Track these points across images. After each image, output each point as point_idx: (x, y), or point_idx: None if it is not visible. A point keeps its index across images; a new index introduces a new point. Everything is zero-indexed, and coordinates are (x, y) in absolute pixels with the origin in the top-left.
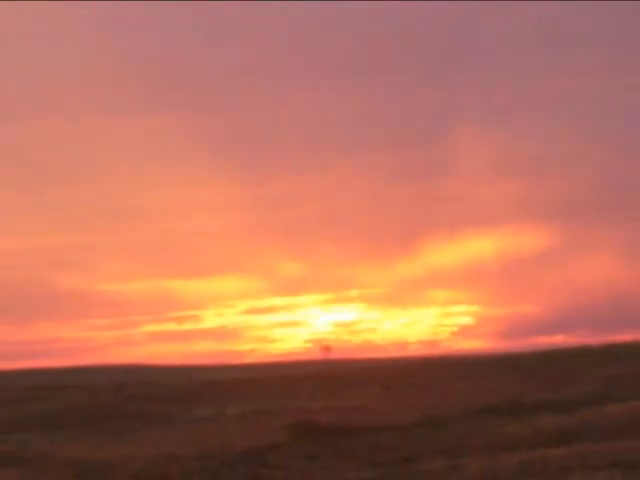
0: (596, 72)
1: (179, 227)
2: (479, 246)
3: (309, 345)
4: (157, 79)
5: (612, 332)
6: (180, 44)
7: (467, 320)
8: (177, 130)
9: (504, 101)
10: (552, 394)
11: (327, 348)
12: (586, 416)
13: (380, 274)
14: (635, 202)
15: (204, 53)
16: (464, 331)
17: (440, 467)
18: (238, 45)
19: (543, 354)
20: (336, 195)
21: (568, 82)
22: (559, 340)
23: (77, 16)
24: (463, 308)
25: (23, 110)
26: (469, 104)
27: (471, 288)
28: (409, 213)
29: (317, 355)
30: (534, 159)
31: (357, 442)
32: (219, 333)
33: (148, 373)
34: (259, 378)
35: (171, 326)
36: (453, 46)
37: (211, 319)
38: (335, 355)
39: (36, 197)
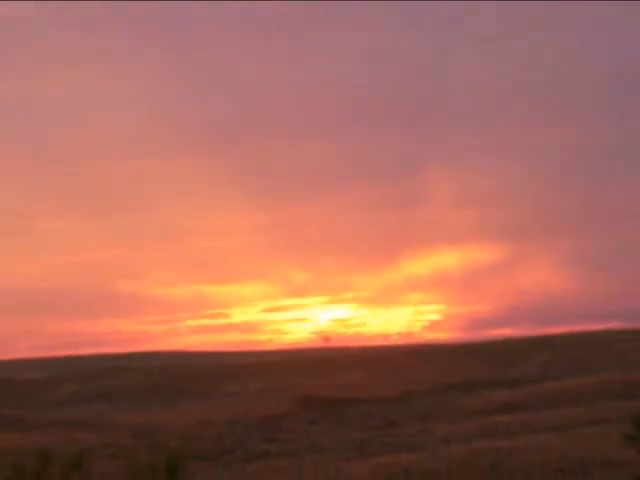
0: (535, 124)
1: (211, 244)
2: (445, 259)
3: (313, 336)
4: (193, 130)
5: (548, 326)
6: (214, 103)
7: (435, 316)
8: (210, 169)
9: (463, 146)
10: (501, 374)
11: (327, 338)
12: (528, 391)
13: (368, 281)
14: (566, 226)
15: (229, 110)
16: (433, 325)
17: (414, 430)
18: (254, 103)
19: (494, 343)
20: (334, 219)
21: (515, 131)
22: (506, 332)
23: (126, 87)
24: (432, 307)
25: (91, 153)
26: (436, 149)
27: (438, 291)
28: (390, 233)
29: (319, 344)
30: (487, 192)
31: (350, 411)
32: (243, 327)
33: (188, 358)
34: (274, 362)
35: (206, 321)
36: (424, 104)
37: (237, 316)
38: (333, 344)
39: (102, 222)
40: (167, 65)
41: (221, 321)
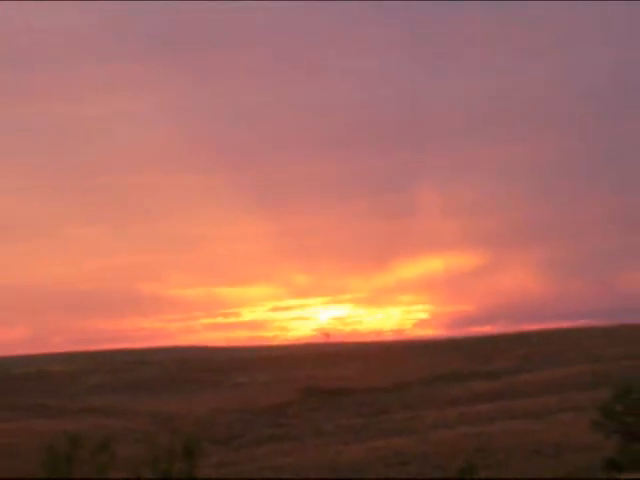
0: (512, 143)
1: (224, 250)
2: (432, 264)
3: (314, 333)
4: (208, 148)
5: (524, 323)
6: (227, 124)
7: (423, 315)
8: (223, 183)
9: (448, 163)
10: (482, 367)
11: (327, 334)
12: (506, 382)
13: (364, 283)
14: (540, 235)
15: (240, 130)
16: (421, 323)
17: (405, 417)
18: (263, 124)
19: (476, 339)
20: (333, 229)
21: (494, 149)
22: (487, 329)
23: (149, 110)
24: (421, 307)
25: (118, 168)
26: (424, 166)
27: (426, 293)
28: (383, 241)
29: (320, 340)
30: (470, 204)
31: (347, 400)
32: (252, 324)
33: (202, 352)
34: (279, 356)
35: (219, 319)
36: (414, 127)
37: (247, 314)
38: (332, 340)
39: (126, 230)
40: (185, 90)
41: (232, 319)
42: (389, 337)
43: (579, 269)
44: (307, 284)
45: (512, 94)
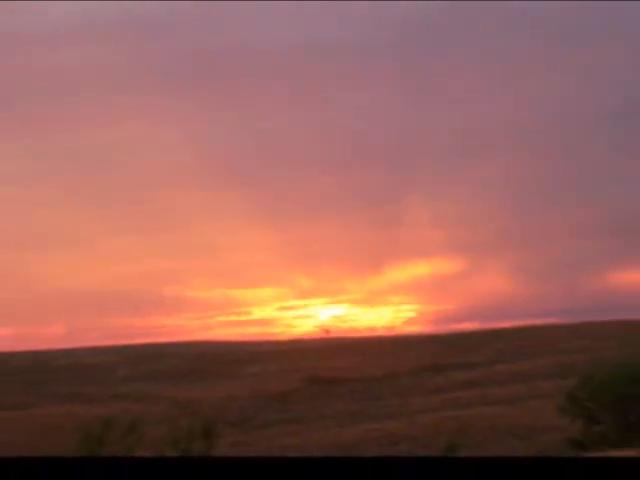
0: (487, 164)
1: (237, 258)
2: (419, 269)
3: (316, 329)
4: (225, 168)
5: (498, 321)
6: (241, 147)
7: (411, 314)
8: (236, 199)
9: (433, 181)
10: (462, 359)
11: (327, 330)
12: (483, 372)
13: (359, 286)
14: (512, 244)
15: (252, 152)
16: (409, 321)
17: (395, 403)
18: (272, 146)
19: (456, 334)
20: (332, 238)
21: (472, 169)
22: (466, 326)
23: (173, 134)
24: (409, 307)
25: (145, 185)
26: (413, 183)
27: (414, 294)
28: (376, 249)
29: (321, 335)
30: (451, 216)
31: (345, 388)
32: (262, 322)
33: (218, 346)
34: (285, 349)
35: (233, 317)
36: (404, 149)
37: (257, 313)
38: (332, 335)
39: (152, 239)
40: (202, 118)
41: (244, 317)
42: (381, 333)
43: (546, 273)
44: (309, 286)
45: (488, 121)
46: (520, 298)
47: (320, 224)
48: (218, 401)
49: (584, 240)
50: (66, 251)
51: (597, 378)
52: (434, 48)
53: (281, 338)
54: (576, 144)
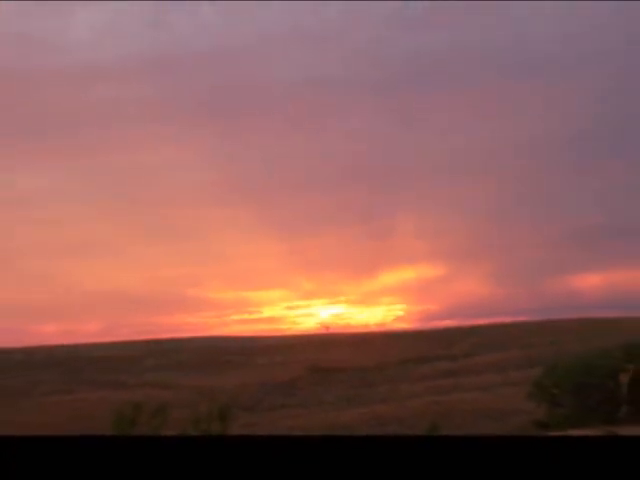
0: (467, 183)
1: (249, 264)
2: (407, 274)
3: (317, 326)
4: (238, 188)
5: (475, 318)
6: (252, 169)
7: (400, 313)
8: (248, 214)
9: (418, 197)
10: (444, 351)
11: (327, 327)
12: (462, 363)
13: (355, 288)
14: (488, 252)
15: (262, 173)
16: (398, 319)
17: (386, 390)
18: (279, 168)
19: (439, 330)
20: (332, 247)
21: (454, 186)
22: (447, 323)
23: (190, 157)
24: (398, 306)
25: (169, 202)
26: (402, 200)
27: (402, 296)
28: (370, 257)
29: (321, 331)
30: (435, 228)
31: (342, 377)
32: (270, 320)
33: (233, 341)
34: (291, 343)
35: (246, 316)
36: (394, 170)
37: (267, 312)
38: (331, 331)
39: (176, 248)
40: (221, 144)
41: (255, 316)
42: (374, 329)
43: (516, 277)
44: (312, 289)
45: (466, 149)
46: (494, 299)
47: (320, 236)
48: (233, 388)
49: (549, 249)
50: (103, 259)
51: (560, 368)
52: (421, 85)
53: (287, 333)
54: (541, 167)
